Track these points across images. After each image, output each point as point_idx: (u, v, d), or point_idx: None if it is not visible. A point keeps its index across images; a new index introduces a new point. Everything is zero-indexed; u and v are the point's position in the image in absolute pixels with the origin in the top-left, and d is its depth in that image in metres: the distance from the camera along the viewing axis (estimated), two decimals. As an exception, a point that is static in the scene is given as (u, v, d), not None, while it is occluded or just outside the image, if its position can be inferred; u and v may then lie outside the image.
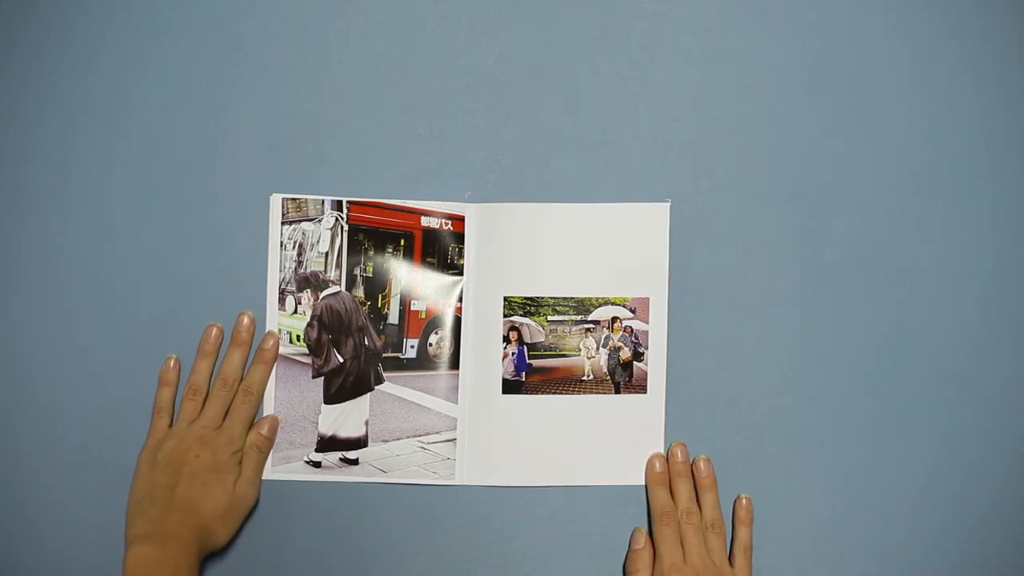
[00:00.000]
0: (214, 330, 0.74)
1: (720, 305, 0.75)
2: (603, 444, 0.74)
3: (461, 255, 0.76)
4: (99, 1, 0.76)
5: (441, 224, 0.76)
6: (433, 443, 0.75)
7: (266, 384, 0.74)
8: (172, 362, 0.74)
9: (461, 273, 0.76)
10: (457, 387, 0.75)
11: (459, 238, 0.75)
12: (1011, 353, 0.76)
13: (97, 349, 0.74)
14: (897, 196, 0.76)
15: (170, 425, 0.73)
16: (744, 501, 0.73)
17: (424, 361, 0.75)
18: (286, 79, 0.76)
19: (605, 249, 0.75)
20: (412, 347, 0.75)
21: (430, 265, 0.75)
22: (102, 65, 0.75)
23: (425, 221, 0.75)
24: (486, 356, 0.75)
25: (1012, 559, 0.75)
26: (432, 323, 0.75)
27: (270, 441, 0.73)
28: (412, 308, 0.75)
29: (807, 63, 0.77)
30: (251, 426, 0.73)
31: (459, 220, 0.75)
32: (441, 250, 0.76)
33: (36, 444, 0.74)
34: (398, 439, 0.75)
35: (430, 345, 0.75)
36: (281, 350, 0.75)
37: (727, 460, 0.74)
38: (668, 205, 0.75)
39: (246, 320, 0.74)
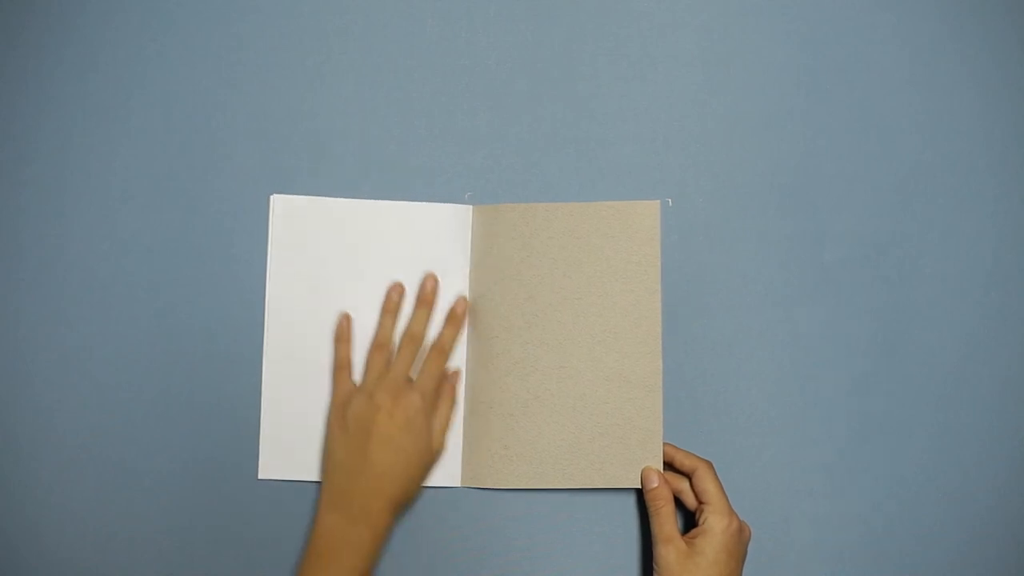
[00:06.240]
0: (396, 291, 0.73)
1: (719, 305, 0.75)
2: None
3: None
4: (99, 1, 0.76)
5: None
6: (433, 443, 0.75)
7: (456, 345, 0.74)
8: (346, 320, 0.73)
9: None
10: (457, 387, 0.75)
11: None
12: (1011, 353, 0.76)
13: (97, 349, 0.74)
14: (897, 196, 0.76)
15: (352, 381, 0.72)
16: None
17: (424, 361, 0.75)
18: (286, 79, 0.76)
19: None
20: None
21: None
22: (102, 65, 0.75)
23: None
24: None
25: (1012, 559, 0.75)
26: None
27: (456, 389, 0.73)
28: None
29: (807, 63, 0.77)
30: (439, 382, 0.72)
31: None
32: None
33: (36, 444, 0.74)
34: (398, 439, 0.75)
35: (430, 345, 0.75)
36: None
37: (726, 460, 0.74)
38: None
39: (431, 283, 0.74)
